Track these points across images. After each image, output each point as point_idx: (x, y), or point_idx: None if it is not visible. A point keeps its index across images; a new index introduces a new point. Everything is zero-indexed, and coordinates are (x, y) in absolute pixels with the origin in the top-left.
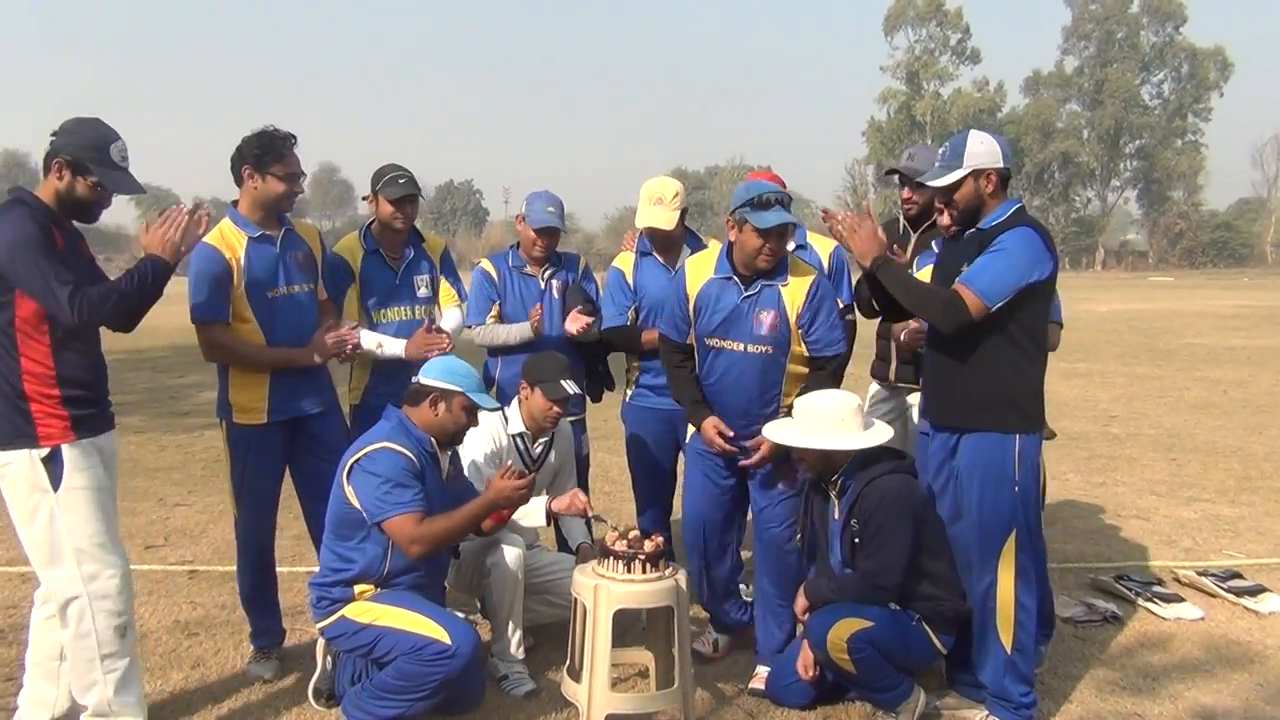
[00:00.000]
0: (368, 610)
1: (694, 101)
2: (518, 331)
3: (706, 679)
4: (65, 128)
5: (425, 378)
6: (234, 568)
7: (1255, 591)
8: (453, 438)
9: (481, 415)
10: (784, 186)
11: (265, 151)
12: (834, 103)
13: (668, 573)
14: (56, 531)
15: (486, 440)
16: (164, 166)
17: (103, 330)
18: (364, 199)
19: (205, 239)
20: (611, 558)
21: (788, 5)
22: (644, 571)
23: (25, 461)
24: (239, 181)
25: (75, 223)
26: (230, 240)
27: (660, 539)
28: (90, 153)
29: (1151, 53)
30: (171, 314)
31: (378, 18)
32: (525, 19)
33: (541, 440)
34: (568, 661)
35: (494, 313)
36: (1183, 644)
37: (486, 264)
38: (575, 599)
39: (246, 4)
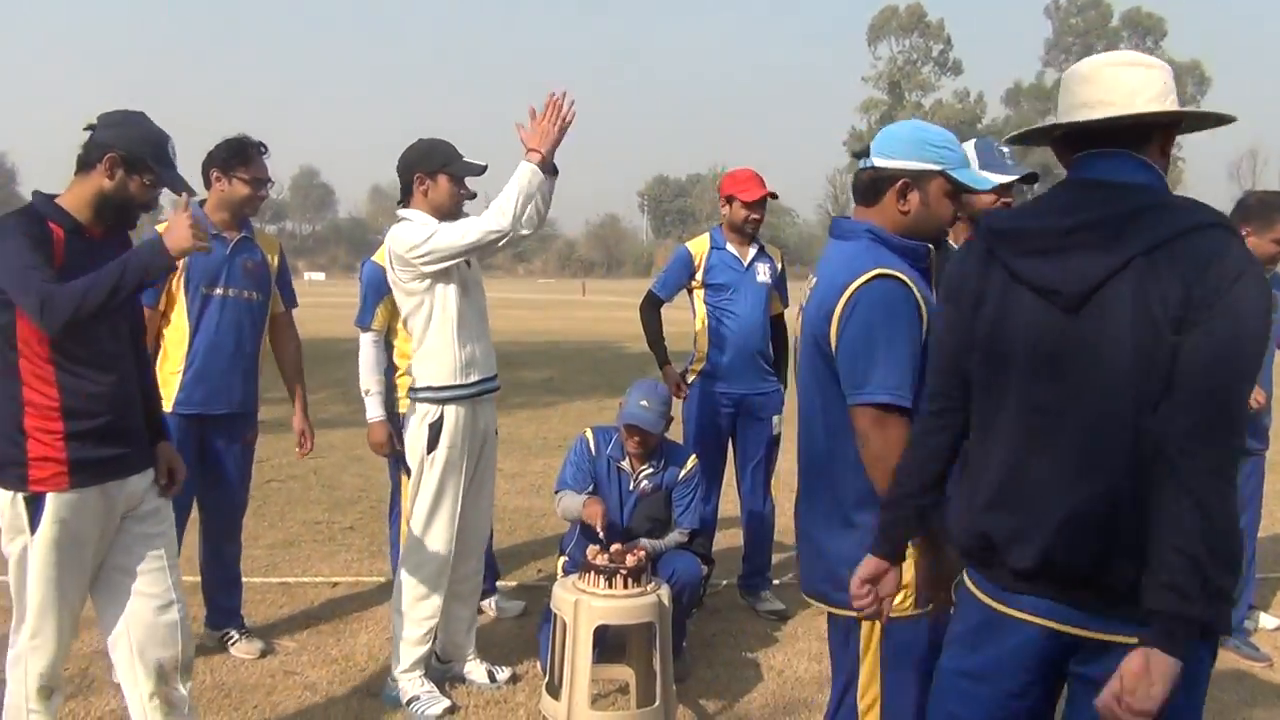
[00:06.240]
0: None
1: (676, 110)
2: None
3: (690, 697)
4: (113, 120)
5: (886, 158)
6: (199, 578)
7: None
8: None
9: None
10: (765, 184)
11: (233, 155)
12: (816, 112)
13: (650, 588)
14: (23, 578)
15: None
16: None
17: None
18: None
19: (156, 228)
20: (593, 572)
21: (770, 14)
22: (625, 587)
23: (8, 500)
24: (207, 184)
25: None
26: None
27: (642, 553)
28: (149, 149)
29: None
30: None
31: (361, 22)
32: (510, 27)
33: None
34: (546, 678)
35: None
36: None
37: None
38: (555, 614)
39: (225, 7)
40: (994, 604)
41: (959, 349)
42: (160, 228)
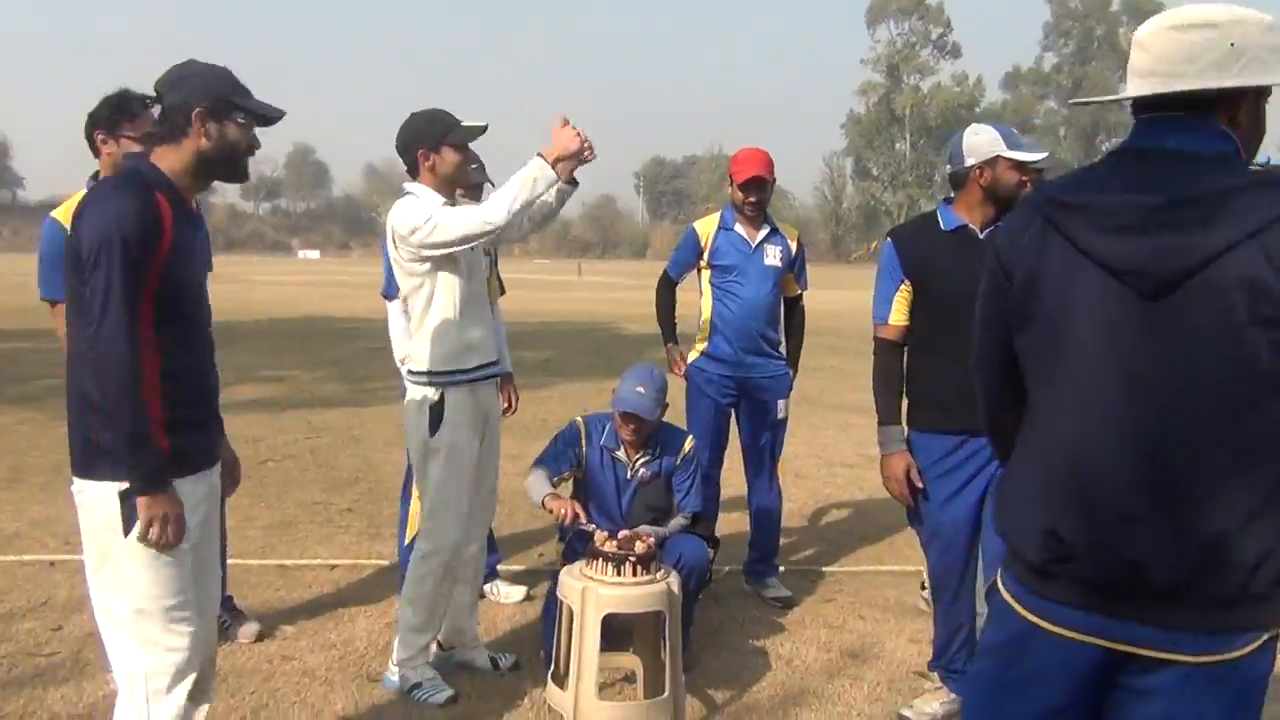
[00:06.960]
0: None
1: (673, 91)
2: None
3: (697, 686)
4: (174, 79)
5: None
6: None
7: None
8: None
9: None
10: (763, 165)
11: (116, 112)
12: (813, 94)
13: (659, 576)
14: (120, 583)
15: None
16: None
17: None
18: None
19: (52, 214)
20: (600, 559)
21: None
22: (634, 574)
23: (101, 494)
24: (93, 149)
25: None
26: None
27: (651, 540)
28: (226, 88)
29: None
30: None
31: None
32: (506, 5)
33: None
34: (552, 667)
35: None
36: None
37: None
38: (561, 601)
39: None
40: (1037, 620)
41: (999, 324)
42: None
